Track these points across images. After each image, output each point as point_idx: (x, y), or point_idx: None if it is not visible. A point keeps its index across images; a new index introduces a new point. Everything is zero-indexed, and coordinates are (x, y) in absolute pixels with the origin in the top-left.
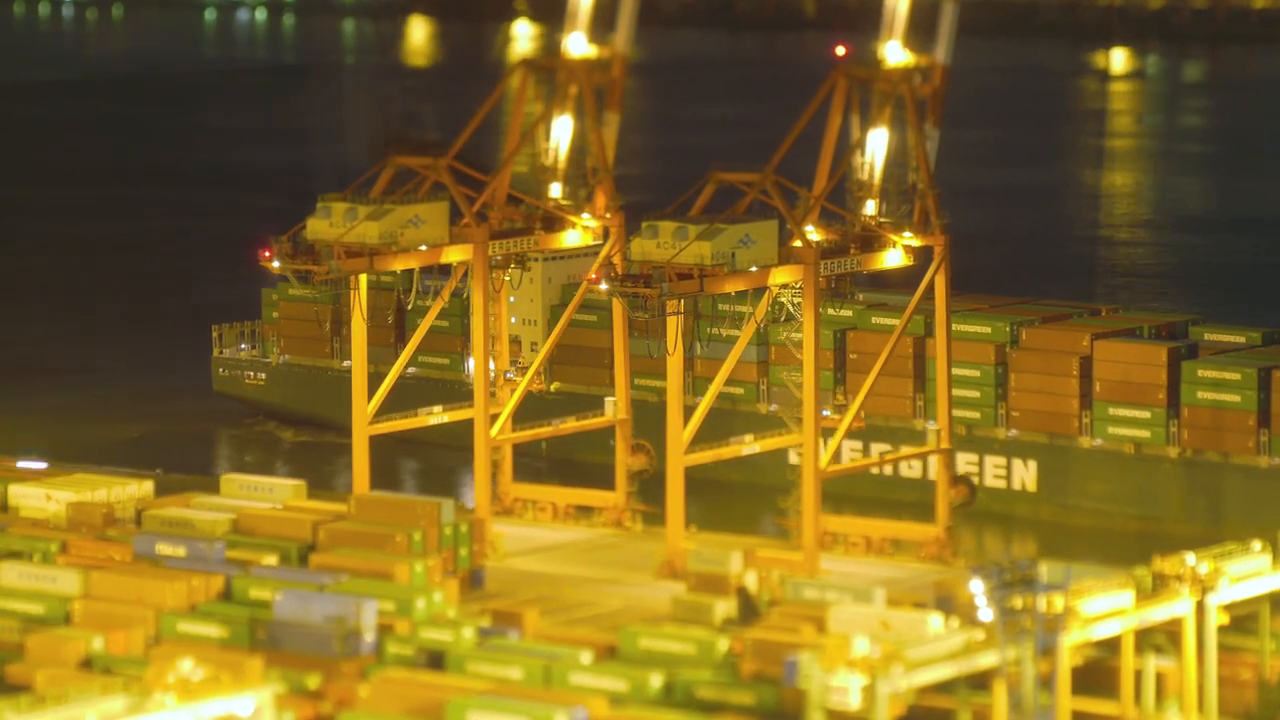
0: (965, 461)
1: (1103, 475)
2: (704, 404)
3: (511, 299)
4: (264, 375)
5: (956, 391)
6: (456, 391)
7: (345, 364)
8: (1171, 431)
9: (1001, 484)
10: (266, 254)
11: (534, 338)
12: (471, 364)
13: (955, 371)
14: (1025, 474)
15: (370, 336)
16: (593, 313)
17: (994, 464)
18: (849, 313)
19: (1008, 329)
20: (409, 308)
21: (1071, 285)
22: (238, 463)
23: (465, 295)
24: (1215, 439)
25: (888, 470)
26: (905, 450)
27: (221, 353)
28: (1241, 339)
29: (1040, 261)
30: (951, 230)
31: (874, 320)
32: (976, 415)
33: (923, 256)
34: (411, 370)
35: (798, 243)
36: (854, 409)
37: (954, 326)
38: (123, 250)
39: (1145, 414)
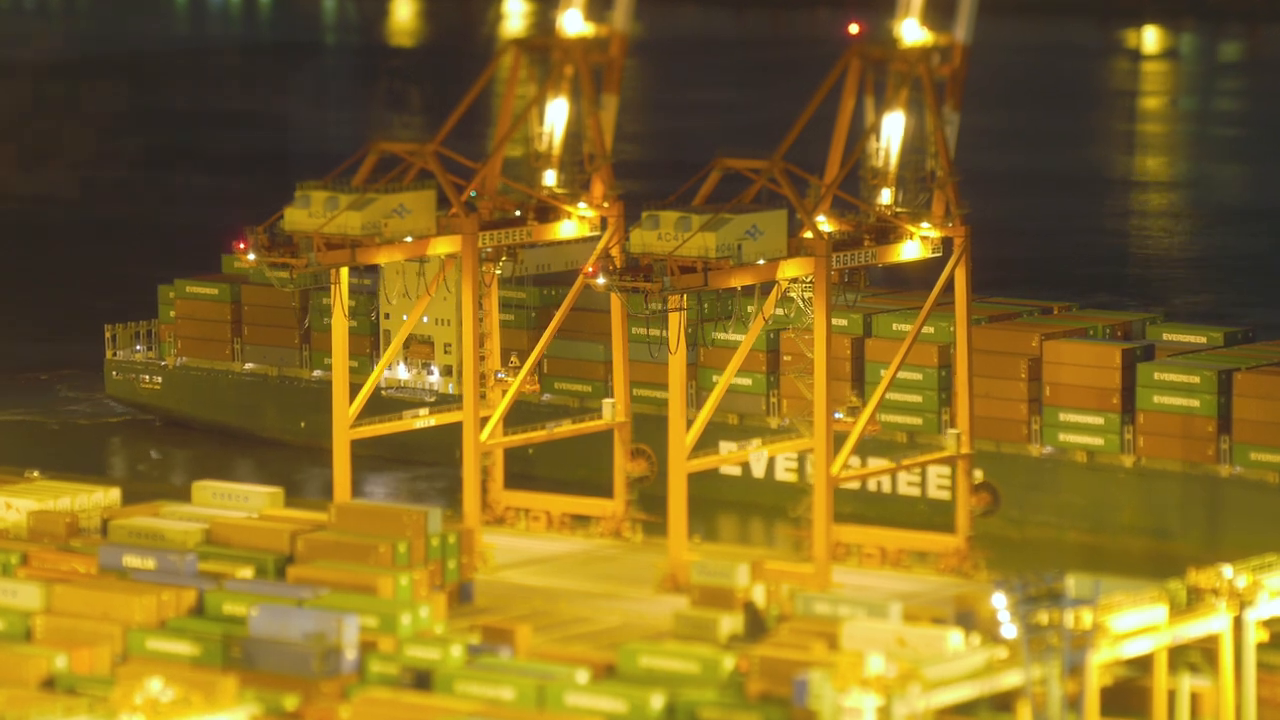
0: (907, 473)
1: (1053, 485)
2: (708, 407)
3: (443, 296)
4: (160, 379)
5: (898, 396)
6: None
7: (247, 367)
8: (1126, 439)
9: (945, 495)
10: (241, 245)
11: (448, 339)
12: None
13: (897, 375)
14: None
15: (272, 338)
16: (508, 311)
17: (937, 473)
18: (781, 311)
19: (951, 329)
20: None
21: (1078, 282)
22: (131, 470)
23: (375, 294)
24: (1173, 446)
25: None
26: (923, 456)
27: (115, 354)
28: (1202, 339)
29: (1050, 255)
30: (973, 220)
31: (808, 320)
32: (918, 421)
33: (943, 248)
34: (317, 374)
35: (808, 234)
36: (868, 412)
37: (894, 326)
38: (69, 239)
39: (1098, 420)
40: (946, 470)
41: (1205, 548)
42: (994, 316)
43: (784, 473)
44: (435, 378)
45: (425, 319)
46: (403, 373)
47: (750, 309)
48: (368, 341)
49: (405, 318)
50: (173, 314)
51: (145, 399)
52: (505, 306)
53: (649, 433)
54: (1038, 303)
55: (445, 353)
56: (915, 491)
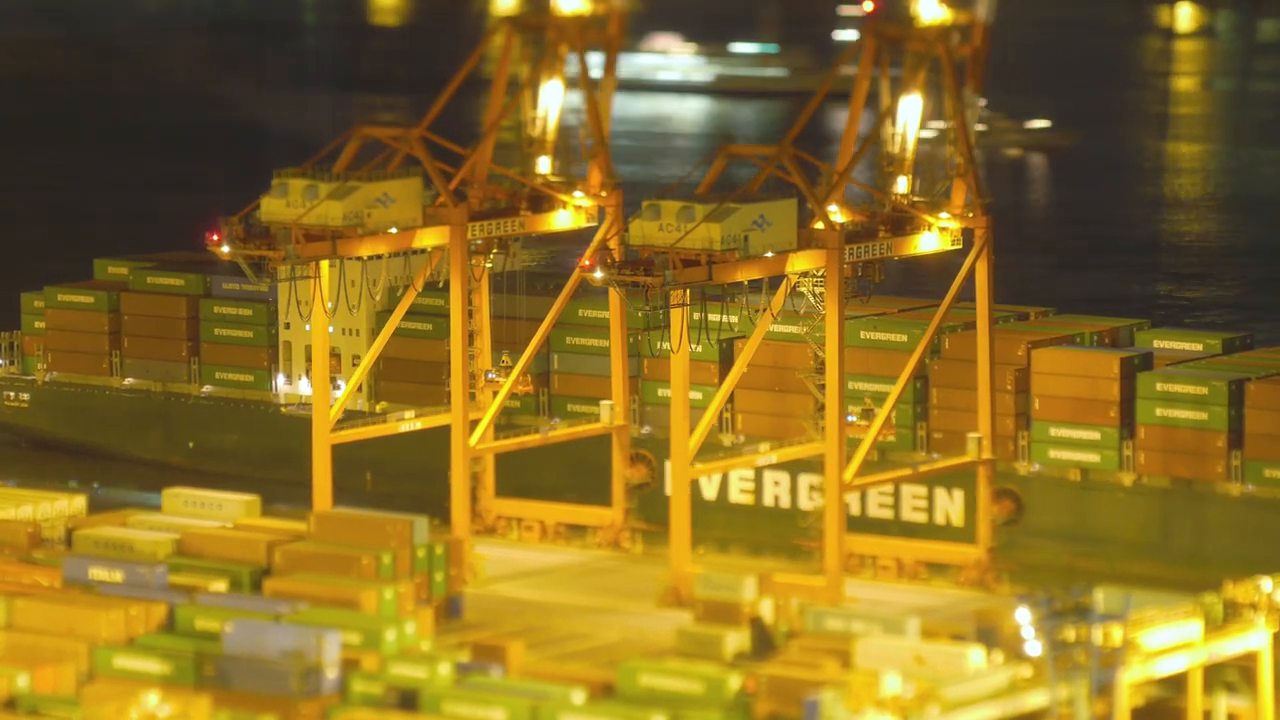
0: (879, 492)
1: (1043, 506)
2: (708, 416)
3: (330, 305)
4: (26, 396)
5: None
6: (262, 414)
7: (127, 382)
8: (1125, 455)
9: (922, 518)
10: (214, 237)
11: (356, 350)
12: (281, 381)
13: (867, 387)
14: (950, 506)
15: (155, 351)
16: (427, 320)
17: (912, 494)
18: (734, 318)
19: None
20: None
21: (1088, 281)
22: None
23: (273, 299)
24: (1178, 463)
25: (785, 502)
26: (942, 462)
27: None
28: (1197, 346)
29: (1063, 250)
30: (995, 210)
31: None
32: (891, 437)
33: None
34: (208, 389)
35: (819, 224)
36: (883, 414)
37: (863, 334)
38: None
39: (1094, 435)
40: (922, 490)
41: (1214, 573)
42: (968, 323)
43: (738, 494)
44: (342, 393)
45: (331, 329)
46: (305, 388)
47: (696, 317)
48: (265, 354)
49: (308, 328)
50: (39, 324)
51: (9, 418)
52: (426, 316)
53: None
54: (1013, 308)
55: (354, 365)
56: (888, 514)
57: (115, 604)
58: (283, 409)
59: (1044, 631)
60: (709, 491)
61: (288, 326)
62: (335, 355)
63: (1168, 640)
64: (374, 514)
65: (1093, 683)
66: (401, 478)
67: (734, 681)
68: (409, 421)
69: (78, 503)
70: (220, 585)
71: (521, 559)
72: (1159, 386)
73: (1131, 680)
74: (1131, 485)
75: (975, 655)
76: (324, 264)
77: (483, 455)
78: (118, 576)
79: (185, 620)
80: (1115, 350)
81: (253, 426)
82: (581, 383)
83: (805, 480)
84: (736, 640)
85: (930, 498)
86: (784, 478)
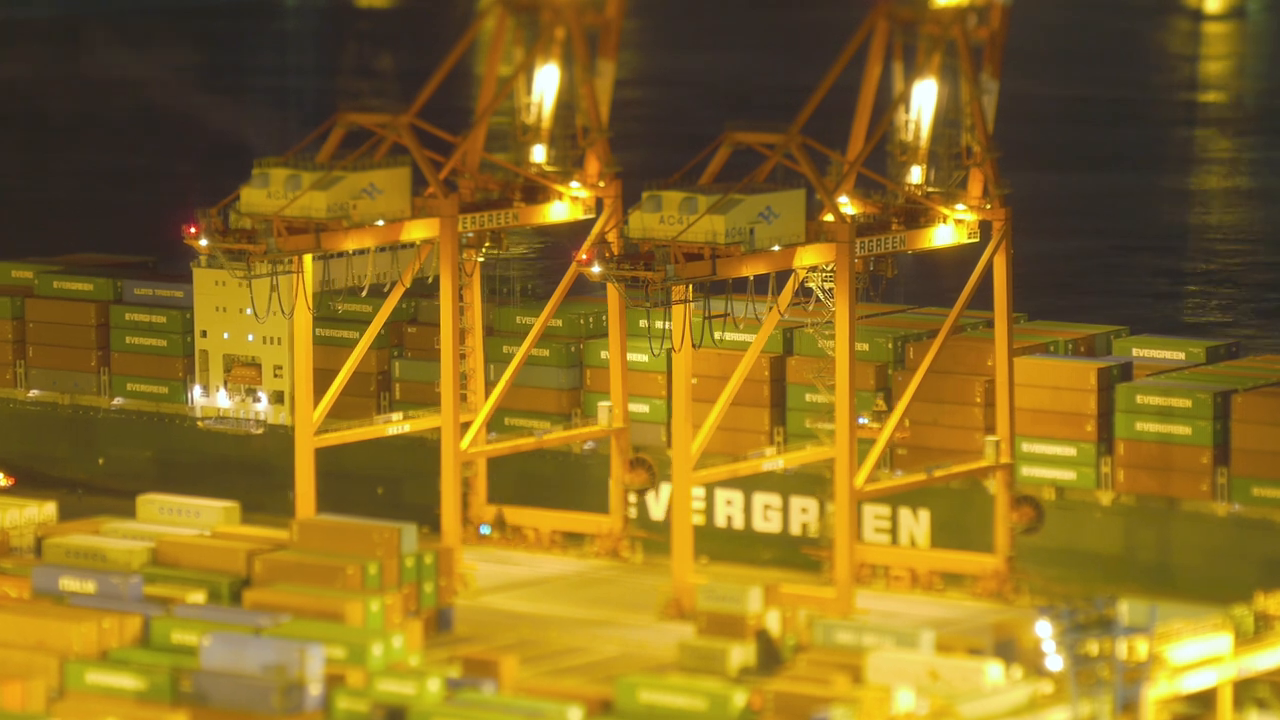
0: None
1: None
2: (708, 422)
3: (249, 310)
4: None
5: (830, 425)
6: (178, 428)
7: (32, 394)
8: (1103, 472)
9: (885, 538)
10: (192, 230)
11: (278, 360)
12: (198, 392)
13: (829, 399)
14: (915, 527)
15: (63, 361)
16: (353, 328)
17: (875, 514)
18: (667, 324)
19: (890, 345)
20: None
21: (1092, 283)
22: None
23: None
24: (1160, 481)
25: (738, 523)
26: (957, 466)
27: None
28: (1180, 355)
29: (1071, 249)
30: (1014, 202)
31: (720, 337)
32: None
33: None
34: (118, 401)
35: (829, 217)
36: (896, 416)
37: (820, 344)
38: None
39: (1070, 450)
40: (885, 510)
41: (1197, 595)
42: (935, 330)
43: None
44: (263, 405)
45: (250, 338)
46: (223, 400)
47: (645, 324)
48: (180, 364)
49: (226, 336)
50: None
51: None
52: (346, 322)
53: (556, 468)
54: (981, 314)
55: (275, 376)
56: None
57: (87, 616)
58: (199, 423)
59: (1066, 645)
60: (656, 511)
61: (204, 334)
62: (254, 365)
63: (1196, 654)
64: (360, 521)
65: (1117, 699)
66: (328, 496)
67: (739, 698)
68: (396, 424)
69: (48, 509)
70: (198, 596)
71: (515, 569)
72: (1139, 399)
73: (1158, 696)
74: (1110, 504)
75: (993, 670)
76: (308, 258)
77: (474, 460)
78: (90, 587)
79: (161, 633)
80: (1092, 360)
81: (168, 441)
82: (521, 394)
83: (761, 500)
84: (741, 654)
85: (894, 518)
86: (737, 497)
